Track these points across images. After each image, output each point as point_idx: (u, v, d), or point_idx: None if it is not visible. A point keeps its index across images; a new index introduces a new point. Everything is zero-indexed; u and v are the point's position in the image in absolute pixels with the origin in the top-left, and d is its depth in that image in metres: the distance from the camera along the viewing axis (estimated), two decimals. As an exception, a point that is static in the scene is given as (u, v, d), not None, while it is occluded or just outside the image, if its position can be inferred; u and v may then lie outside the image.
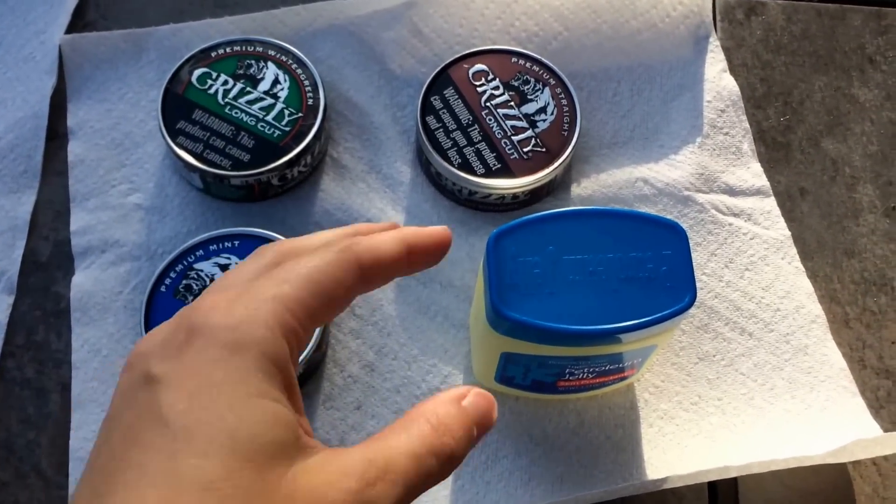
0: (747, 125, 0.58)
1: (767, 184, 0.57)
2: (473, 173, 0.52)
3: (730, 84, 0.59)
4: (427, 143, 0.53)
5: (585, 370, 0.45)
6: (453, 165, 0.52)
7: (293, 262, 0.31)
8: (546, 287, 0.40)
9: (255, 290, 0.30)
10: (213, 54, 0.54)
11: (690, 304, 0.40)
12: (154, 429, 0.27)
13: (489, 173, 0.52)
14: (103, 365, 0.50)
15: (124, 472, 0.26)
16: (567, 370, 0.45)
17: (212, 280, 0.49)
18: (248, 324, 0.29)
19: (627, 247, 0.41)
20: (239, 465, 0.26)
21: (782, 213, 0.56)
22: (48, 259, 0.53)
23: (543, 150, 0.53)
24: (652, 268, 0.40)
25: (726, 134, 0.57)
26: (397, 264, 0.34)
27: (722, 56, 0.59)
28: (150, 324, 0.48)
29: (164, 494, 0.25)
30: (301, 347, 0.30)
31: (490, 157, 0.53)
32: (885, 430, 0.50)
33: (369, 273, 0.32)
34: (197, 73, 0.53)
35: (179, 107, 0.53)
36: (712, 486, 0.50)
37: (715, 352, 0.52)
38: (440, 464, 0.30)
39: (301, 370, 0.47)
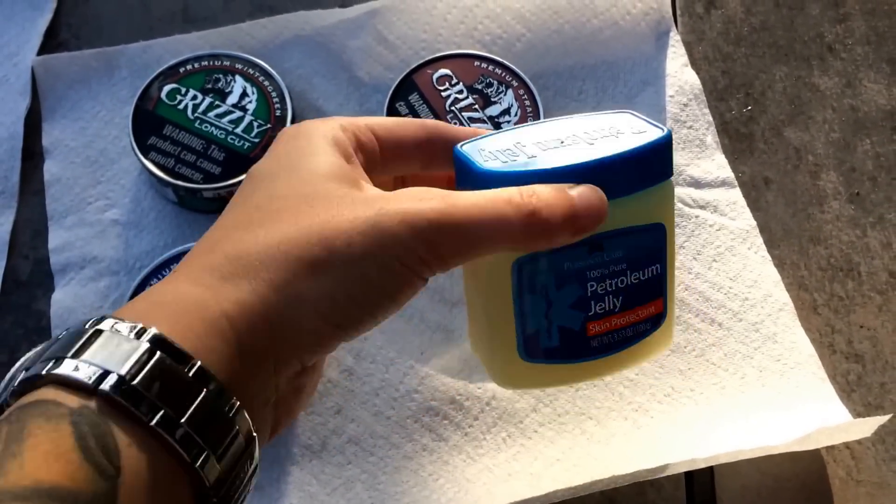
0: (710, 118, 0.59)
1: (732, 175, 0.58)
2: (441, 176, 0.53)
3: (691, 78, 0.60)
4: (395, 148, 0.54)
5: (608, 284, 0.41)
6: (421, 170, 0.53)
7: None
8: (521, 160, 0.38)
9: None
10: (182, 70, 0.55)
11: (669, 138, 0.39)
12: (258, 187, 0.37)
13: (457, 176, 0.53)
14: (86, 380, 0.51)
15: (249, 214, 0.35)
16: (591, 288, 0.41)
17: (189, 292, 0.50)
18: (312, 125, 0.38)
19: (593, 130, 0.40)
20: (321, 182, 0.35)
21: (748, 203, 0.57)
22: (28, 277, 0.54)
23: (509, 151, 0.54)
24: (618, 128, 0.40)
25: (690, 127, 0.58)
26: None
27: (683, 51, 0.60)
28: (129, 338, 0.49)
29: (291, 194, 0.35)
30: (365, 145, 0.39)
31: (457, 161, 0.54)
32: (857, 414, 0.51)
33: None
34: (166, 89, 0.55)
35: (150, 123, 0.54)
36: (689, 475, 0.51)
37: (686, 343, 0.53)
38: (519, 216, 0.35)
39: (279, 377, 0.48)
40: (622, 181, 0.38)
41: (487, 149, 0.39)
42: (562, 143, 0.39)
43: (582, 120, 0.41)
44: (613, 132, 0.39)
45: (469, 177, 0.38)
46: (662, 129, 0.39)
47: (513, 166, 0.38)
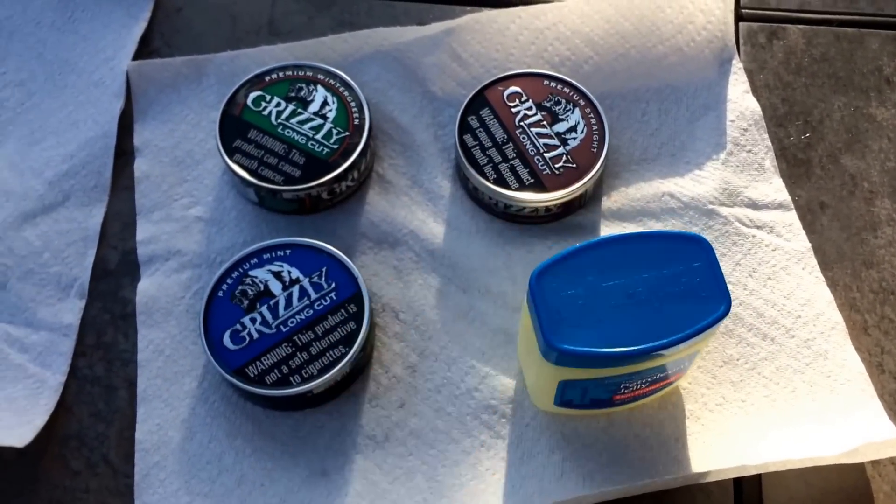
0: (769, 143, 0.61)
1: (789, 198, 0.59)
2: (508, 188, 0.56)
3: (752, 104, 0.62)
4: (465, 159, 0.56)
5: (639, 382, 0.47)
6: (489, 181, 0.56)
7: None
8: (592, 315, 0.43)
9: None
10: (267, 78, 0.58)
11: (727, 312, 0.43)
12: None
13: (523, 188, 0.56)
14: (166, 364, 0.53)
15: None
16: (622, 385, 0.47)
17: (265, 286, 0.52)
18: None
19: (660, 265, 0.44)
20: None
21: (803, 225, 0.58)
22: (116, 266, 0.57)
23: (574, 165, 0.56)
24: (686, 281, 0.43)
25: (749, 151, 0.60)
26: None
27: (745, 78, 0.63)
28: (208, 326, 0.51)
29: None
30: None
31: (524, 173, 0.56)
32: None
33: None
34: (252, 95, 0.58)
35: (236, 127, 0.57)
36: (738, 483, 0.52)
37: (739, 356, 0.54)
38: None
39: (348, 370, 0.51)
40: (674, 346, 0.43)
41: (563, 288, 0.43)
42: (630, 297, 0.43)
43: (653, 250, 0.45)
44: (681, 291, 0.43)
45: (546, 345, 0.43)
46: (724, 298, 0.43)
47: (586, 340, 0.42)
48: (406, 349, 0.55)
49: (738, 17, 0.66)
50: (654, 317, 0.43)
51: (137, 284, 0.56)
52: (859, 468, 0.52)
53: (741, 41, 0.65)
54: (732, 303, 0.55)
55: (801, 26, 0.66)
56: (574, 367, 0.45)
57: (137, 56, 0.63)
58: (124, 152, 0.60)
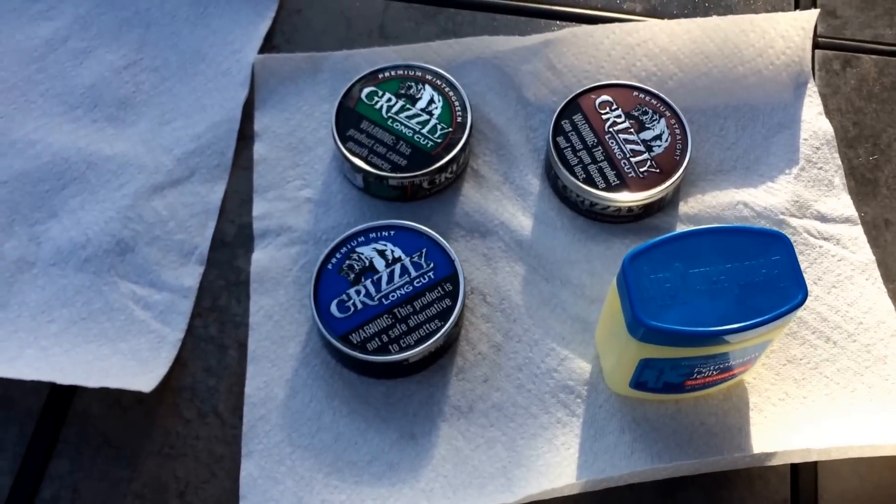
0: (839, 162, 0.64)
1: (856, 213, 0.63)
2: (595, 187, 0.60)
3: (825, 125, 0.65)
4: (557, 159, 0.61)
5: (712, 367, 0.51)
6: (578, 179, 0.60)
7: None
8: (678, 298, 0.47)
9: None
10: (381, 76, 0.64)
11: (804, 300, 0.47)
12: None
13: (609, 188, 0.60)
14: (274, 328, 0.58)
15: None
16: (696, 369, 0.51)
17: (370, 262, 0.57)
18: None
19: (742, 256, 0.48)
20: None
21: (868, 240, 0.62)
22: (233, 238, 0.62)
23: (657, 170, 0.61)
24: (765, 272, 0.47)
25: (820, 168, 0.64)
26: None
27: (819, 101, 0.66)
28: (318, 295, 0.56)
29: None
30: None
31: (610, 174, 0.60)
32: None
33: None
34: (366, 90, 0.63)
35: (350, 118, 0.62)
36: (794, 473, 0.55)
37: (802, 356, 0.58)
38: None
39: (441, 343, 0.55)
40: (753, 329, 0.47)
41: (653, 272, 0.47)
42: (714, 284, 0.47)
43: (736, 243, 0.48)
44: (760, 280, 0.47)
45: (634, 320, 0.47)
46: (801, 289, 0.47)
47: (672, 318, 0.46)
48: (492, 329, 0.59)
49: (815, 45, 0.70)
50: (734, 302, 0.47)
51: (251, 255, 0.61)
52: (913, 467, 0.55)
53: (817, 67, 0.69)
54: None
55: (873, 56, 0.70)
56: (657, 345, 0.48)
57: (262, 50, 0.68)
58: (245, 136, 0.65)
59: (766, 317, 0.47)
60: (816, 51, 0.70)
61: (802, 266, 0.60)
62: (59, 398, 0.57)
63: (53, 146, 0.63)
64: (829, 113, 0.67)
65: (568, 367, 0.57)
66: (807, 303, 0.58)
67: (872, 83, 0.69)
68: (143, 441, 0.56)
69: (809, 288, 0.59)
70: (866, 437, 0.52)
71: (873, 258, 0.61)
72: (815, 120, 0.66)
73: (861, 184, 0.65)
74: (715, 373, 0.52)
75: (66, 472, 0.55)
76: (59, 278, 0.59)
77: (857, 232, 0.62)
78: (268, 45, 0.69)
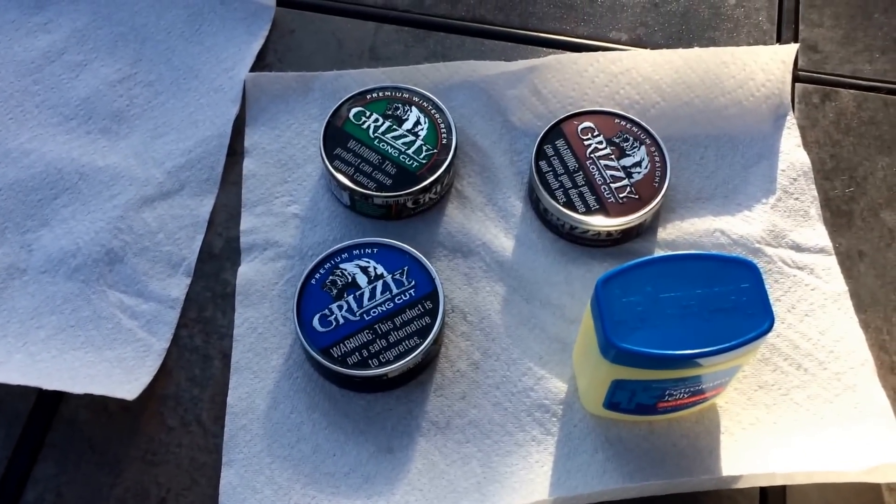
0: (815, 193, 0.66)
1: (830, 244, 0.64)
2: (576, 211, 0.61)
3: (802, 157, 0.67)
4: (538, 183, 0.62)
5: (683, 391, 0.52)
6: (559, 203, 0.62)
7: None
8: (649, 321, 0.48)
9: None
10: (369, 96, 0.65)
11: (770, 328, 0.48)
12: None
13: (589, 212, 0.61)
14: (258, 340, 0.59)
15: None
16: (668, 392, 0.52)
17: (353, 278, 0.58)
18: None
19: (712, 283, 0.49)
20: None
21: (842, 270, 0.63)
22: (220, 251, 0.63)
23: (636, 197, 0.62)
24: (734, 299, 0.48)
25: (796, 199, 0.65)
26: None
27: (797, 133, 0.68)
28: (301, 308, 0.57)
29: None
30: None
31: (591, 199, 0.62)
32: None
33: None
34: (354, 110, 0.64)
35: (338, 137, 0.63)
36: (763, 498, 0.56)
37: (773, 382, 0.59)
38: None
39: (420, 359, 0.57)
40: (721, 356, 0.48)
41: (625, 295, 0.49)
42: (684, 308, 0.48)
43: (707, 270, 0.50)
44: (729, 307, 0.48)
45: (606, 342, 0.48)
46: (768, 316, 0.48)
47: (642, 341, 0.47)
48: (471, 347, 0.60)
49: (795, 78, 0.71)
50: (703, 327, 0.48)
51: (238, 268, 0.62)
52: (877, 494, 0.56)
53: (796, 100, 0.71)
54: (771, 334, 0.60)
55: (852, 91, 0.71)
56: (628, 367, 0.49)
57: (254, 69, 0.70)
58: (235, 152, 0.67)
59: (734, 342, 0.48)
60: (797, 84, 0.71)
61: (776, 294, 0.61)
62: (47, 403, 0.58)
63: (47, 156, 0.64)
64: (807, 145, 0.68)
65: (544, 386, 0.58)
66: (780, 330, 0.60)
67: (850, 117, 0.70)
68: (127, 447, 0.57)
69: (783, 316, 0.61)
70: (831, 463, 0.53)
71: (846, 288, 0.62)
72: (793, 151, 0.67)
73: (836, 215, 0.66)
74: (686, 396, 0.53)
75: (50, 475, 0.56)
76: (48, 286, 0.60)
77: (831, 262, 0.63)
78: (260, 64, 0.71)
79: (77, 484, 0.56)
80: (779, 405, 0.58)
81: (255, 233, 0.63)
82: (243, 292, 0.61)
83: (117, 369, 0.57)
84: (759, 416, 0.58)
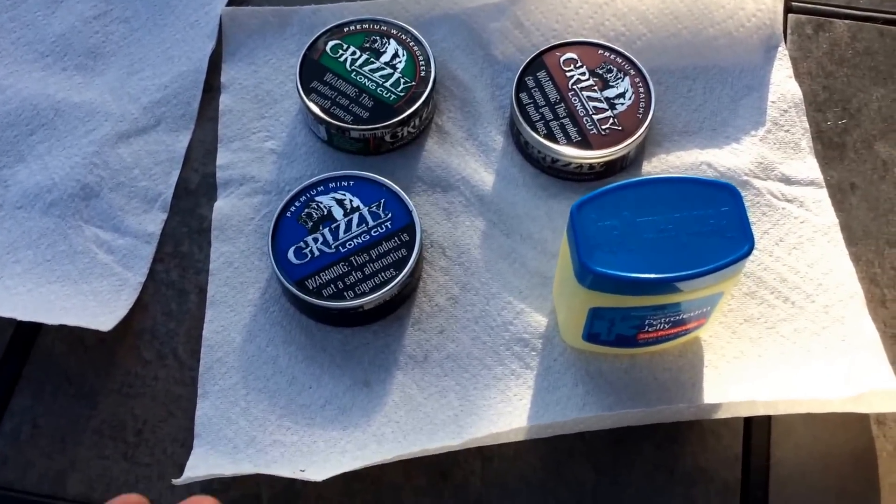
0: (807, 125, 0.64)
1: (821, 177, 0.62)
2: (556, 142, 0.60)
3: (794, 88, 0.65)
4: (518, 114, 0.61)
5: (663, 320, 0.51)
6: (540, 135, 0.60)
7: None
8: (625, 245, 0.47)
9: None
10: (346, 29, 0.64)
11: (750, 251, 0.47)
12: None
13: (571, 144, 0.60)
14: (234, 274, 0.59)
15: None
16: (647, 321, 0.51)
17: (328, 211, 0.58)
18: None
19: (691, 206, 0.48)
20: None
21: (833, 204, 0.61)
22: (196, 187, 0.63)
23: (620, 128, 0.61)
24: (713, 223, 0.47)
25: (787, 131, 0.64)
26: None
27: (789, 64, 0.66)
28: (276, 241, 0.57)
29: None
30: None
31: (572, 131, 0.61)
32: None
33: None
34: (331, 43, 0.63)
35: (314, 70, 0.62)
36: (747, 429, 0.55)
37: (759, 315, 0.57)
38: None
39: (396, 292, 0.56)
40: (699, 280, 0.47)
41: (601, 219, 0.48)
42: (662, 232, 0.47)
43: (686, 193, 0.48)
44: (708, 230, 0.47)
45: (581, 268, 0.47)
46: (748, 240, 0.47)
47: (619, 265, 0.46)
48: (449, 282, 0.59)
49: (788, 9, 0.70)
50: (681, 251, 0.47)
51: (214, 204, 0.62)
52: (864, 426, 0.55)
53: (789, 31, 0.69)
54: (758, 267, 0.59)
55: (847, 21, 0.69)
56: (605, 293, 0.48)
57: (230, 3, 0.69)
58: (211, 87, 0.66)
59: (712, 266, 0.47)
60: (789, 14, 0.70)
61: (765, 227, 0.60)
62: (23, 336, 0.58)
63: (23, 93, 0.64)
64: (799, 76, 0.66)
65: (524, 320, 0.58)
66: (767, 263, 0.59)
67: (845, 48, 0.68)
68: (104, 380, 0.57)
69: (770, 249, 0.60)
70: (815, 391, 0.52)
71: (836, 221, 0.61)
72: (783, 83, 0.66)
73: (828, 147, 0.64)
74: (667, 326, 0.52)
75: (27, 406, 0.56)
76: (24, 221, 0.60)
77: (822, 195, 0.62)
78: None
79: (54, 415, 0.56)
80: (764, 338, 0.57)
81: (231, 168, 0.63)
82: (219, 227, 0.61)
83: (93, 302, 0.57)
84: (744, 349, 0.57)
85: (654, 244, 0.47)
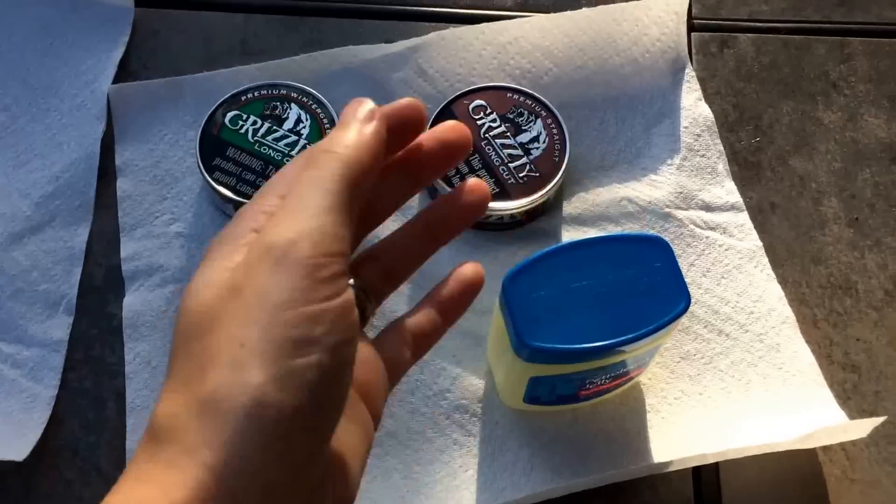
0: (721, 147, 0.64)
1: (740, 200, 0.62)
2: (475, 197, 0.58)
3: (705, 111, 0.65)
4: (433, 171, 0.59)
5: (603, 377, 0.50)
6: (457, 191, 0.59)
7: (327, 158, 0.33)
8: (561, 314, 0.45)
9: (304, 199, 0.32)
10: (243, 98, 0.61)
11: (686, 308, 0.46)
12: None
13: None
14: (153, 375, 0.56)
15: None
16: (588, 381, 0.50)
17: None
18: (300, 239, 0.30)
19: (624, 265, 0.46)
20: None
21: (754, 225, 0.61)
22: (102, 283, 0.59)
23: (537, 174, 0.59)
24: (647, 280, 0.46)
25: (702, 156, 0.63)
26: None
27: (697, 86, 0.66)
28: (193, 337, 0.54)
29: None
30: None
31: (489, 182, 0.59)
32: (852, 419, 0.54)
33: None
34: (229, 115, 0.60)
35: (215, 146, 0.59)
36: (696, 469, 0.55)
37: (696, 351, 0.57)
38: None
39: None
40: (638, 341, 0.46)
41: (534, 290, 0.46)
42: (597, 297, 0.46)
43: (617, 253, 0.47)
44: (643, 289, 0.46)
45: (519, 342, 0.46)
46: (683, 296, 0.46)
47: (556, 337, 0.45)
48: (381, 354, 0.57)
49: (691, 28, 0.69)
50: (619, 315, 0.46)
51: (123, 300, 0.58)
52: (811, 454, 0.55)
53: (693, 50, 0.68)
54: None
55: (750, 35, 0.69)
56: (544, 364, 0.47)
57: (117, 79, 0.65)
58: (107, 172, 0.62)
59: (651, 327, 0.46)
60: (692, 33, 0.69)
61: (690, 259, 0.60)
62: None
63: None
64: (708, 97, 0.66)
65: (461, 385, 0.56)
66: (697, 296, 0.59)
67: (751, 63, 0.68)
68: (24, 509, 0.53)
69: (698, 281, 0.59)
70: (762, 437, 0.52)
71: (760, 244, 0.61)
72: (694, 106, 0.65)
73: (744, 168, 0.64)
74: (608, 381, 0.51)
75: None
76: (-82, 341, 0.56)
77: (744, 218, 0.62)
78: (124, 73, 0.66)
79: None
80: (703, 375, 0.57)
81: (137, 258, 0.60)
82: (131, 325, 0.57)
83: (4, 426, 0.54)
84: (685, 388, 0.57)
85: (591, 310, 0.46)
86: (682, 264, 0.59)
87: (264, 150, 0.59)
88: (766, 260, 0.60)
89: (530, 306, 0.46)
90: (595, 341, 0.45)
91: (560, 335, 0.45)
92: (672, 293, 0.46)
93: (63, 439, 0.55)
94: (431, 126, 0.60)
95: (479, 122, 0.61)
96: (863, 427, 0.51)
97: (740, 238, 0.61)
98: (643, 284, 0.46)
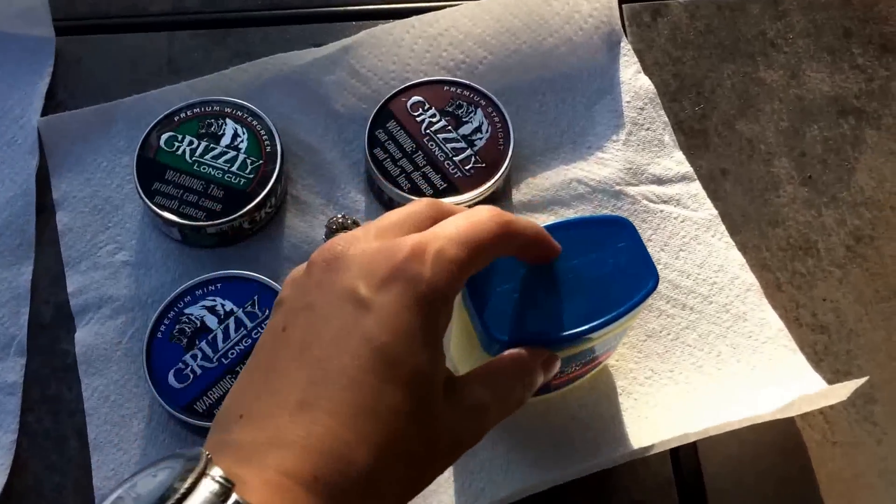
0: (666, 118, 0.63)
1: (691, 169, 0.61)
2: (423, 195, 0.57)
3: (645, 83, 0.64)
4: (377, 173, 0.58)
5: (574, 364, 0.49)
6: (403, 190, 0.58)
7: (454, 223, 0.38)
8: (528, 306, 0.44)
9: (438, 245, 0.36)
10: (177, 118, 0.59)
11: (656, 284, 0.45)
12: (360, 342, 0.34)
13: (437, 193, 0.58)
14: (112, 409, 0.54)
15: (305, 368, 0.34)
16: (560, 370, 0.48)
17: (201, 322, 0.54)
18: (437, 280, 0.35)
19: (587, 250, 0.45)
20: (418, 399, 0.34)
21: (708, 194, 0.61)
22: (51, 320, 0.57)
23: (483, 165, 0.58)
24: (613, 262, 0.45)
25: (647, 129, 0.63)
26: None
27: (635, 58, 0.65)
28: (152, 367, 0.53)
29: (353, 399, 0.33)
30: None
31: (436, 179, 0.58)
32: (827, 380, 0.54)
33: (512, 239, 0.40)
34: (164, 137, 0.59)
35: (153, 169, 0.58)
36: (675, 449, 0.54)
37: (661, 328, 0.57)
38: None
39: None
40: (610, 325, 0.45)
41: (497, 284, 0.45)
42: (563, 284, 0.45)
43: (578, 237, 0.46)
44: (609, 272, 0.45)
45: (488, 338, 0.44)
46: (652, 274, 0.45)
47: (524, 328, 0.44)
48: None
49: (622, 0, 0.68)
50: (588, 300, 0.44)
51: (74, 335, 0.57)
52: (789, 421, 0.55)
53: (627, 23, 0.67)
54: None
55: (682, 1, 0.68)
56: None
57: (45, 111, 0.63)
58: (45, 208, 0.60)
59: (622, 308, 0.44)
60: (624, 5, 0.68)
61: (647, 234, 0.59)
62: None
63: None
64: (647, 69, 0.65)
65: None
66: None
67: (686, 29, 0.67)
68: (-7, 561, 0.52)
69: (657, 256, 0.59)
70: (741, 411, 0.51)
71: (716, 212, 0.60)
72: (634, 79, 0.64)
73: (691, 136, 0.63)
74: (578, 368, 0.50)
75: None
76: None
77: (696, 188, 0.61)
78: (52, 104, 0.64)
79: None
80: (671, 351, 0.56)
81: (84, 292, 0.58)
82: (86, 360, 0.56)
83: (-35, 478, 0.52)
84: (654, 367, 0.56)
85: (559, 298, 0.44)
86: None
87: (204, 169, 0.58)
88: (723, 228, 0.60)
89: (496, 302, 0.44)
90: (567, 329, 0.44)
91: (530, 327, 0.44)
92: (639, 272, 0.45)
93: (28, 483, 0.53)
94: (371, 128, 0.59)
95: (418, 119, 0.60)
96: (843, 391, 0.50)
97: (695, 209, 0.60)
98: (609, 266, 0.45)
